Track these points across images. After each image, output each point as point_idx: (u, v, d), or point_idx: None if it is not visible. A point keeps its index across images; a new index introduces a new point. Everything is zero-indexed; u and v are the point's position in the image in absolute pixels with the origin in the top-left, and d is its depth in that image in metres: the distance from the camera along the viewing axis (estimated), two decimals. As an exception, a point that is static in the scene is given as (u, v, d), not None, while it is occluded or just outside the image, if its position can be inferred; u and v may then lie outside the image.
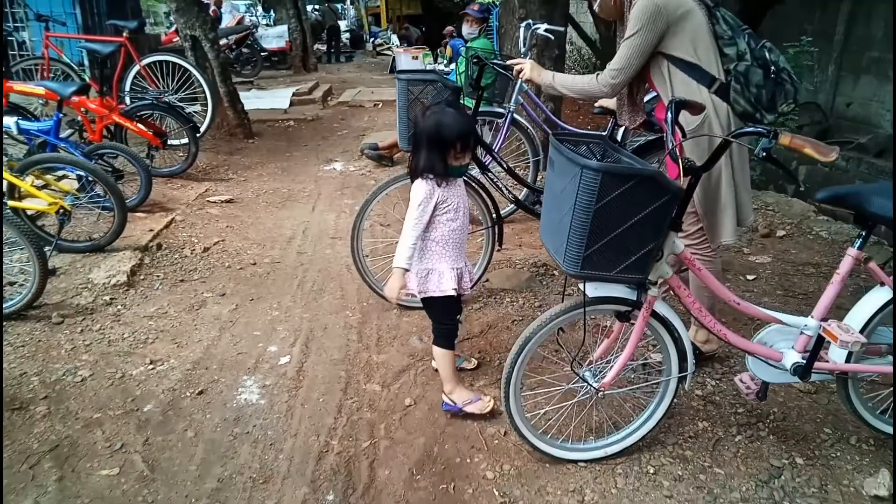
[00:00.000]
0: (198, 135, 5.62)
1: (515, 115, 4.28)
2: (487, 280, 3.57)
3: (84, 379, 2.81)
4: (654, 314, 2.02)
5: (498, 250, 3.43)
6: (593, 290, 1.94)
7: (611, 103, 3.25)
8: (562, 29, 4.60)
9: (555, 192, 1.91)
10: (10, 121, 4.12)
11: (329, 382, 2.79)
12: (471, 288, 2.59)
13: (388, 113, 8.62)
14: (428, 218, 2.31)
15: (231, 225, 4.66)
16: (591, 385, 2.11)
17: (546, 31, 4.36)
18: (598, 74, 2.55)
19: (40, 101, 5.83)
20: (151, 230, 4.35)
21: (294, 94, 9.26)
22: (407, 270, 2.32)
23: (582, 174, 1.69)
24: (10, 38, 6.43)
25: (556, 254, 1.87)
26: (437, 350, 2.52)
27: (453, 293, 2.39)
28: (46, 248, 3.71)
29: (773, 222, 4.70)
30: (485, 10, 6.17)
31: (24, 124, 4.19)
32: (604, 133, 3.59)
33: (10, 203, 3.68)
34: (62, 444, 2.42)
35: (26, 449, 2.38)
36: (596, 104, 3.38)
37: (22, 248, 3.22)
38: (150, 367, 2.92)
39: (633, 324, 2.04)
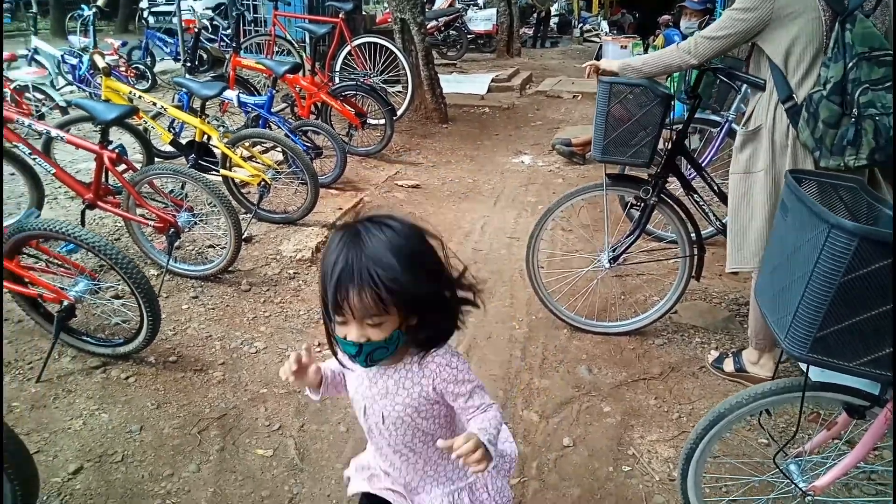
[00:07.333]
0: (395, 117, 5.73)
1: (734, 125, 3.74)
2: (676, 312, 3.16)
3: (258, 351, 2.93)
4: (902, 416, 1.56)
5: (694, 279, 2.98)
6: (820, 373, 1.53)
7: None
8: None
9: (784, 246, 1.52)
10: (232, 94, 4.48)
11: (485, 401, 2.62)
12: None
13: (587, 106, 8.19)
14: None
15: (413, 211, 4.68)
16: (796, 484, 1.70)
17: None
18: (678, 44, 2.47)
19: (264, 76, 6.34)
20: (340, 208, 4.51)
21: (493, 81, 9.17)
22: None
23: (829, 235, 1.30)
24: (241, 15, 7.08)
25: (776, 325, 1.49)
26: None
27: None
28: (246, 216, 4.00)
29: None
30: (706, 0, 5.54)
31: (244, 98, 4.52)
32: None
33: (222, 171, 4.00)
34: (229, 413, 2.53)
35: (199, 412, 2.53)
36: None
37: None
38: (317, 348, 2.98)
39: (867, 421, 1.59)
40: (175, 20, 7.33)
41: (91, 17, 6.90)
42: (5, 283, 2.56)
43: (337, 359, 1.31)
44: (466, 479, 1.39)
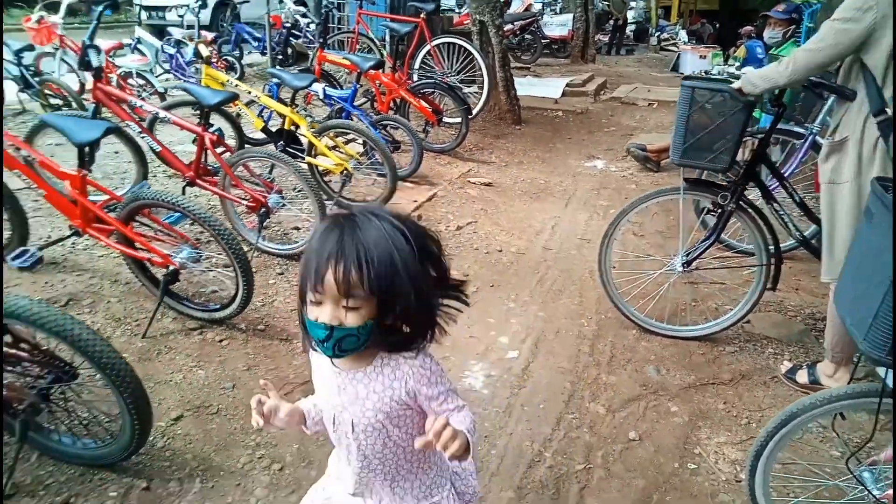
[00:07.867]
0: (470, 116, 5.86)
1: (818, 138, 3.68)
2: (749, 322, 3.15)
3: (337, 328, 3.10)
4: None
5: (770, 289, 2.96)
6: (900, 378, 1.55)
7: None
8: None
9: (869, 250, 1.54)
10: (319, 87, 4.70)
11: (552, 390, 2.71)
12: None
13: (663, 114, 8.12)
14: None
15: (485, 208, 4.79)
16: (870, 491, 1.71)
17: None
18: (781, 59, 2.48)
19: (346, 71, 6.58)
20: (415, 201, 4.66)
21: (567, 85, 9.19)
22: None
23: (918, 240, 1.34)
24: (330, 12, 7.38)
25: (854, 327, 1.52)
26: None
27: None
28: (327, 203, 4.20)
29: None
30: (792, 10, 5.41)
31: (329, 91, 4.74)
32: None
33: (307, 159, 4.21)
34: (311, 381, 2.69)
35: (285, 377, 2.71)
36: None
37: (308, 198, 3.65)
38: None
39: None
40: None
41: (197, 9, 7.34)
42: (121, 247, 2.82)
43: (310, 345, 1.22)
44: (432, 497, 1.35)
